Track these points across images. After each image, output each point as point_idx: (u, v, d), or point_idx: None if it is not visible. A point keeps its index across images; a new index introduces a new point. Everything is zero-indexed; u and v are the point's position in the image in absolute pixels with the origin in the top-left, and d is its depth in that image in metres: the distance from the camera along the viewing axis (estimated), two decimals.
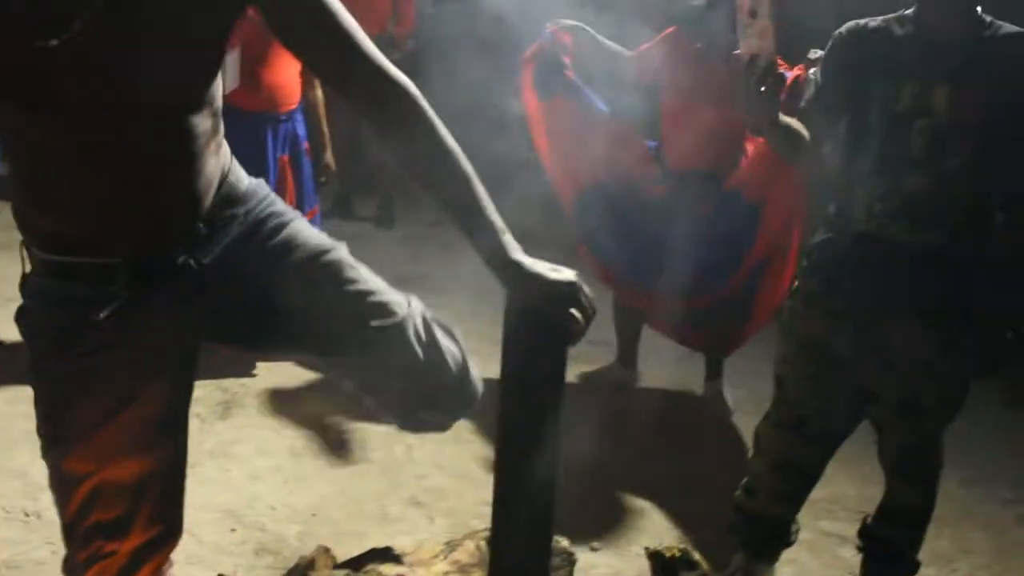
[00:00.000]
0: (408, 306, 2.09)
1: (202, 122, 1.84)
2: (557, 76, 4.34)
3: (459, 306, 5.55)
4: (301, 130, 4.64)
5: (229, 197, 1.97)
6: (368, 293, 2.05)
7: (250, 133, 4.44)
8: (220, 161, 1.96)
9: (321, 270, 1.99)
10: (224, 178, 1.96)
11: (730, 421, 4.54)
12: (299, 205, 4.64)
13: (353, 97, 1.81)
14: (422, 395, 2.12)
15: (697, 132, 4.19)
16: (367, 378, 2.11)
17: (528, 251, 1.83)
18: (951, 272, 2.63)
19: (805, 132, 2.70)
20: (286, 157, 4.57)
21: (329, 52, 1.78)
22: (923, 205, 2.60)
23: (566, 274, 1.77)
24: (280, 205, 2.07)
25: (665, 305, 4.34)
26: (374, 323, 2.00)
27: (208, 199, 1.89)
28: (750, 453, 3.11)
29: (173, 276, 1.86)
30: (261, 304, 1.94)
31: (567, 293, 1.75)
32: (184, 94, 1.77)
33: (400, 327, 2.05)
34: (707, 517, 3.61)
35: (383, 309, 2.04)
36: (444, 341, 2.17)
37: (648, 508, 3.71)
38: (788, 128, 2.67)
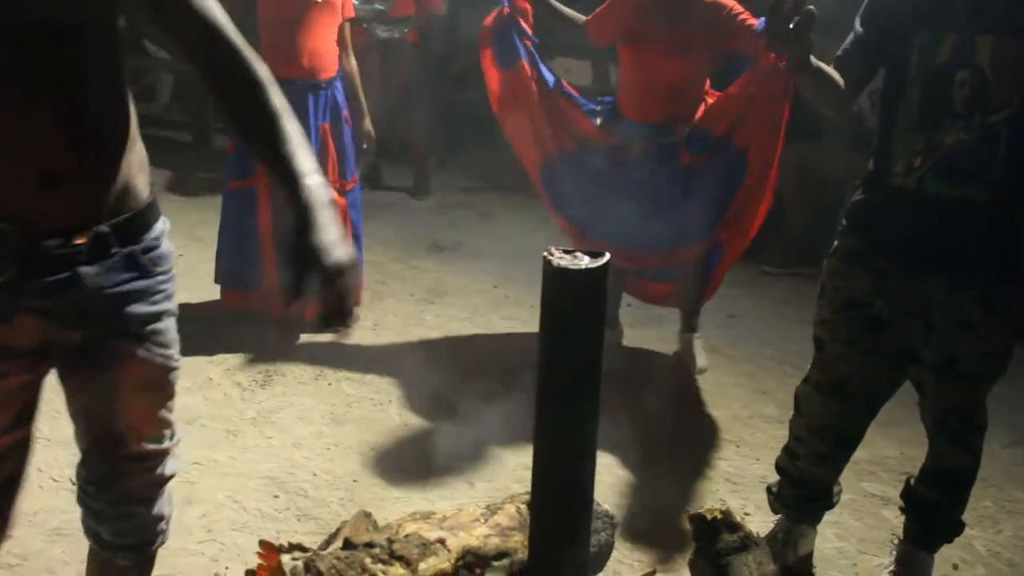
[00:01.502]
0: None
1: (106, 74, 1.82)
2: (518, 44, 4.38)
3: (494, 271, 5.59)
4: (341, 97, 4.65)
5: (146, 227, 2.02)
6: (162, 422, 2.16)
7: (293, 101, 4.44)
8: (139, 170, 1.97)
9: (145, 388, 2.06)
10: (149, 201, 2.01)
11: (695, 374, 4.51)
12: (341, 173, 4.65)
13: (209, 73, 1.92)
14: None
15: (660, 84, 4.18)
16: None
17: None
18: (993, 229, 2.58)
19: (838, 77, 2.67)
20: (327, 125, 4.59)
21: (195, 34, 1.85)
22: (964, 160, 2.55)
23: (341, 254, 1.74)
24: (173, 292, 2.12)
25: (647, 261, 4.38)
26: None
27: (115, 195, 1.88)
28: (785, 415, 3.09)
29: (56, 284, 1.84)
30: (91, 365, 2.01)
31: (314, 262, 1.71)
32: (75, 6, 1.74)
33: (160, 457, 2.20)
34: (747, 479, 3.61)
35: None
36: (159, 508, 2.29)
37: (687, 471, 3.70)
38: (820, 72, 2.63)
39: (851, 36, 2.75)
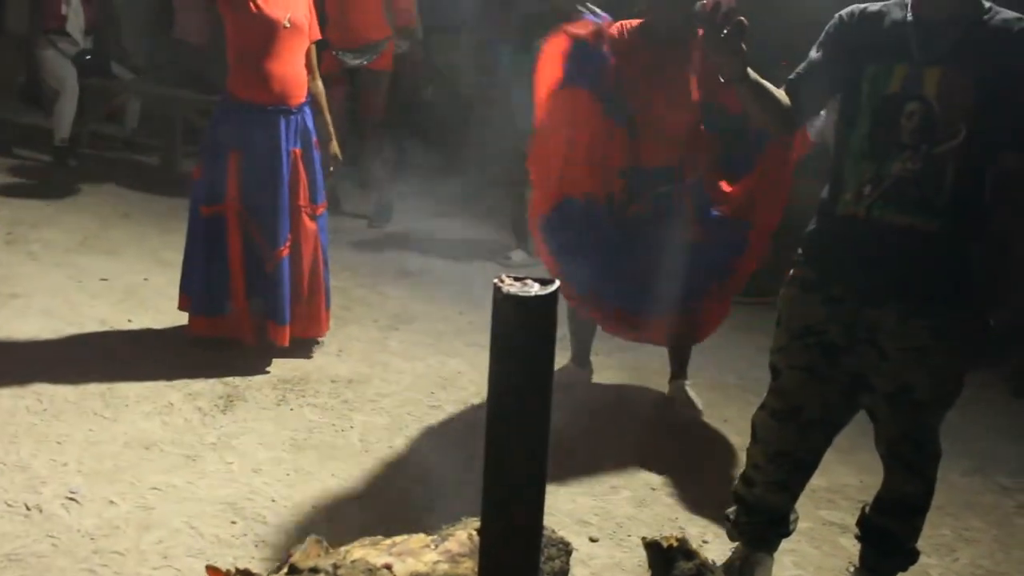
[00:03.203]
0: None
1: None
2: (590, 69, 4.18)
3: (458, 298, 5.60)
4: (310, 122, 4.66)
5: None
6: None
7: (264, 127, 4.47)
8: None
9: None
10: None
11: (694, 417, 4.52)
12: (312, 198, 4.65)
13: None
14: None
15: (662, 132, 4.20)
16: None
17: None
18: (944, 258, 2.62)
19: (779, 94, 2.76)
20: (298, 150, 4.59)
21: None
22: (912, 189, 2.60)
23: None
24: None
25: (646, 327, 4.36)
26: None
27: None
28: (746, 443, 3.10)
29: None
30: None
31: None
32: None
33: None
34: (705, 507, 3.61)
35: None
36: None
37: (647, 498, 3.71)
38: (760, 86, 2.72)
39: (806, 61, 2.82)
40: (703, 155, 4.27)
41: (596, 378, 4.83)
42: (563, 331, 4.64)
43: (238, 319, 4.60)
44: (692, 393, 4.53)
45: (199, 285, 4.63)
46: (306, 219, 4.63)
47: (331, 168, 4.89)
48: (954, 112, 2.54)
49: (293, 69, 4.54)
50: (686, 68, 4.18)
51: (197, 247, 4.63)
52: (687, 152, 4.25)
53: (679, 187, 4.22)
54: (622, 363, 5.04)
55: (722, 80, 2.73)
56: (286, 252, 4.54)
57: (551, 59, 4.21)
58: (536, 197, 4.41)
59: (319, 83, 4.81)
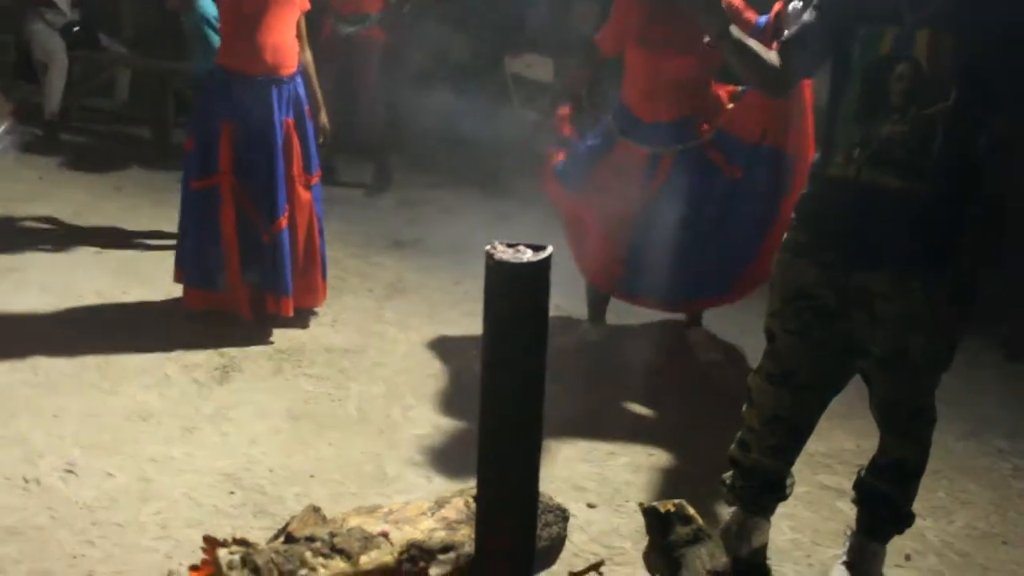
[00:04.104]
0: None
1: None
2: (578, 171, 4.45)
3: (454, 267, 5.60)
4: (302, 92, 4.63)
5: None
6: None
7: (256, 97, 4.44)
8: None
9: None
10: None
11: (716, 366, 4.55)
12: (306, 167, 4.63)
13: None
14: None
15: (668, 83, 4.20)
16: None
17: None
18: (934, 220, 2.61)
19: (765, 55, 2.78)
20: (291, 120, 4.56)
21: None
22: (901, 151, 2.59)
23: None
24: None
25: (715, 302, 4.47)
26: None
27: None
28: (743, 406, 3.11)
29: None
30: None
31: None
32: None
33: None
34: (703, 472, 3.62)
35: None
36: None
37: (644, 464, 3.72)
38: (741, 43, 2.76)
39: (798, 24, 2.81)
40: (717, 109, 4.27)
41: (610, 336, 4.82)
42: (556, 300, 4.65)
43: (233, 293, 4.59)
44: (707, 340, 4.57)
45: (193, 259, 4.62)
46: (301, 189, 4.61)
47: (321, 139, 4.87)
48: (943, 74, 2.53)
49: (284, 39, 4.51)
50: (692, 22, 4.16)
51: (190, 220, 4.62)
52: (700, 105, 4.24)
53: (699, 141, 4.24)
54: (638, 323, 5.02)
55: (705, 40, 2.75)
56: (285, 223, 4.53)
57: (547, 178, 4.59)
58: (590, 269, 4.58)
59: (308, 53, 4.77)
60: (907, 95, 2.56)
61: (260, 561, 1.96)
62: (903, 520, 2.99)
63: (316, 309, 4.85)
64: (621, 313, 4.91)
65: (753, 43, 2.80)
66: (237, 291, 4.58)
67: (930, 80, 2.54)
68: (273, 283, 4.56)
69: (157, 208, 6.25)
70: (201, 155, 4.52)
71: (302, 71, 4.67)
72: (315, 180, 4.70)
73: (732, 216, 4.26)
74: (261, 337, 4.57)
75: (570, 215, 4.56)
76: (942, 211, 2.60)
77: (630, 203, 4.31)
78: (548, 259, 1.76)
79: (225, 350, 4.40)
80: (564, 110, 4.59)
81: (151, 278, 5.16)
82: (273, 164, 4.48)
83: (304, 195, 4.63)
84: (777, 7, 3.97)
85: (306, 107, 4.64)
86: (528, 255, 1.77)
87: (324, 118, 4.87)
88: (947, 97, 2.53)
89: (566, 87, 4.78)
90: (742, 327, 4.78)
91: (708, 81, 4.32)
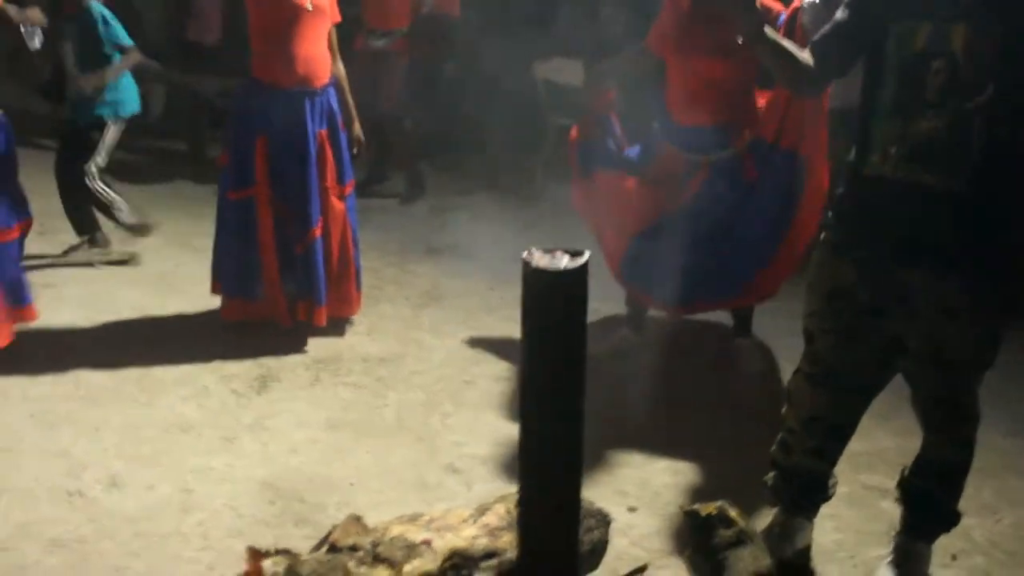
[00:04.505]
0: None
1: None
2: (596, 156, 4.49)
3: (489, 273, 5.60)
4: (335, 104, 4.65)
5: None
6: None
7: (290, 109, 4.47)
8: None
9: None
10: None
11: (760, 375, 4.50)
12: (339, 178, 4.65)
13: None
14: None
15: (707, 87, 4.18)
16: None
17: None
18: (973, 216, 2.57)
19: (799, 55, 2.76)
20: (324, 131, 4.58)
21: None
22: (938, 147, 2.55)
23: None
24: None
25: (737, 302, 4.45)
26: None
27: None
28: (783, 407, 3.08)
29: None
30: None
31: None
32: None
33: None
34: (744, 474, 3.59)
35: None
36: None
37: (685, 467, 3.69)
38: (776, 44, 2.73)
39: (831, 23, 2.79)
40: (755, 117, 4.25)
41: (651, 341, 4.79)
42: (595, 304, 4.63)
43: (272, 302, 4.62)
44: (753, 350, 4.54)
45: (231, 270, 4.66)
46: (334, 200, 4.63)
47: (355, 150, 4.88)
48: (980, 69, 2.49)
49: (316, 51, 4.53)
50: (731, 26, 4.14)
51: (227, 232, 4.65)
52: (740, 111, 4.22)
53: (734, 151, 4.22)
54: (680, 326, 4.98)
55: (739, 40, 2.73)
56: (318, 233, 4.55)
57: (571, 161, 4.64)
58: (609, 257, 4.57)
59: (341, 65, 4.79)
60: (944, 91, 2.53)
61: (304, 572, 1.97)
62: (949, 519, 2.95)
63: (352, 318, 4.86)
64: (662, 318, 4.89)
65: (788, 43, 2.78)
66: (277, 300, 4.61)
67: (967, 74, 2.50)
68: (307, 293, 4.58)
69: (194, 221, 6.29)
70: (237, 167, 4.55)
71: (335, 83, 4.69)
72: (348, 190, 4.72)
73: (744, 217, 4.24)
74: (298, 347, 4.58)
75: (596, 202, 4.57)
76: (981, 206, 2.57)
77: (661, 205, 4.30)
78: (585, 265, 1.74)
79: (263, 360, 4.42)
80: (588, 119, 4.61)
81: (187, 291, 5.20)
82: (307, 175, 4.50)
83: (338, 205, 4.64)
84: (796, 3, 3.96)
85: (339, 118, 4.65)
86: (565, 260, 1.76)
87: (358, 128, 4.89)
88: (985, 91, 2.49)
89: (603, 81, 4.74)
90: (786, 329, 4.73)
91: (750, 87, 4.29)
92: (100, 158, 5.50)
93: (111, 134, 5.59)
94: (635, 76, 4.89)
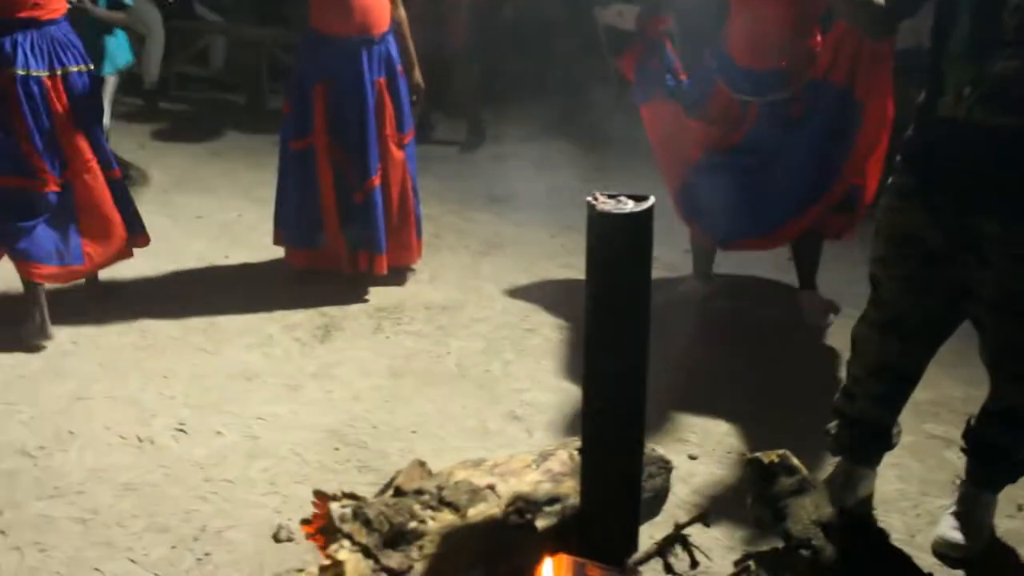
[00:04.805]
0: None
1: None
2: (654, 81, 4.41)
3: (550, 221, 5.59)
4: (394, 51, 4.64)
5: None
6: None
7: (347, 58, 4.47)
8: None
9: None
10: None
11: (824, 330, 4.44)
12: (398, 127, 4.65)
13: None
14: None
15: (769, 28, 4.08)
16: None
17: None
18: None
19: None
20: (383, 80, 4.58)
21: None
22: (1015, 89, 2.47)
23: None
24: None
25: (785, 235, 4.35)
26: None
27: None
28: (847, 357, 3.05)
29: None
30: None
31: None
32: None
33: None
34: (807, 423, 3.57)
35: None
36: None
37: (747, 416, 3.67)
38: None
39: None
40: (812, 61, 4.15)
41: (717, 293, 4.75)
42: (659, 251, 4.58)
43: (334, 250, 4.66)
44: (819, 304, 4.47)
45: (293, 219, 4.70)
46: (394, 148, 4.63)
47: (415, 97, 4.88)
48: None
49: (375, 0, 4.52)
50: None
51: (289, 181, 4.68)
52: (798, 55, 4.13)
53: (789, 96, 4.14)
54: (745, 279, 4.94)
55: None
56: (377, 182, 4.56)
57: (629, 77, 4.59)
58: (669, 181, 4.52)
59: (402, 11, 4.77)
60: (1022, 30, 2.45)
61: (371, 514, 2.00)
62: (1016, 469, 2.91)
63: (414, 267, 4.89)
64: (729, 268, 4.85)
65: None
66: (338, 249, 4.65)
67: None
68: (367, 241, 4.61)
69: (255, 172, 6.35)
70: (297, 117, 4.58)
71: (395, 29, 4.68)
72: (408, 139, 4.72)
73: (789, 153, 4.15)
74: (360, 296, 4.63)
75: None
76: None
77: (713, 142, 4.26)
78: (651, 209, 1.74)
79: (325, 309, 4.47)
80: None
81: (250, 241, 5.26)
82: (365, 124, 4.51)
83: (397, 154, 4.65)
84: None
85: (398, 66, 4.65)
86: (630, 205, 1.75)
87: (418, 75, 4.87)
88: None
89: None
90: (851, 277, 4.68)
91: (813, 30, 4.16)
92: (106, 118, 5.51)
93: (109, 87, 5.90)
94: (692, 6, 4.82)
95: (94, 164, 4.15)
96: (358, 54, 4.48)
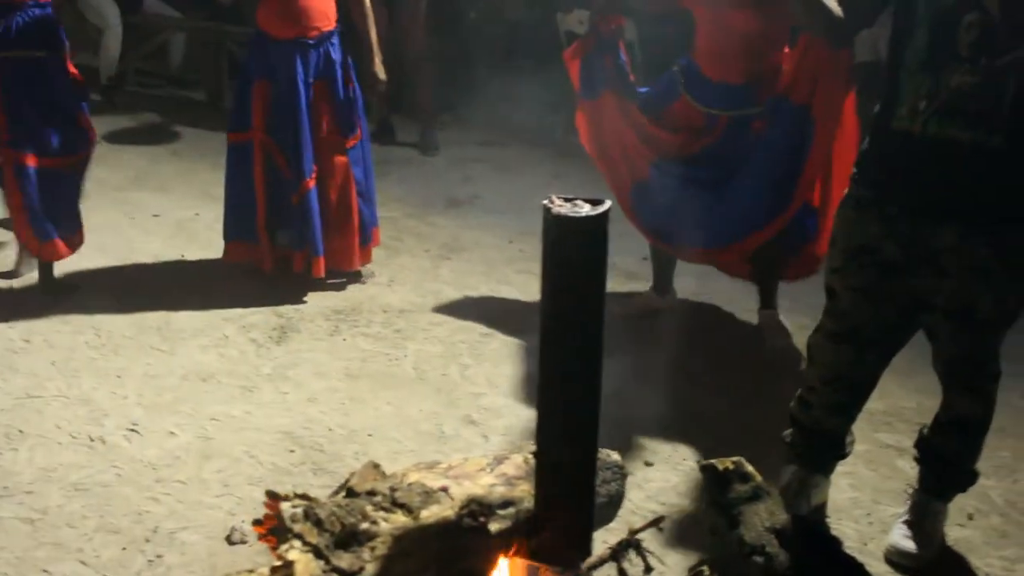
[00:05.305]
0: None
1: None
2: (605, 79, 4.34)
3: (510, 226, 5.59)
4: (336, 54, 4.58)
5: None
6: None
7: (283, 59, 4.48)
8: None
9: None
10: None
11: (783, 348, 4.42)
12: (340, 130, 4.61)
13: None
14: None
15: (735, 40, 4.04)
16: None
17: None
18: (1003, 174, 2.54)
19: (829, 2, 2.77)
20: (320, 82, 4.55)
21: None
22: (969, 103, 2.51)
23: None
24: None
25: (732, 253, 4.30)
26: None
27: None
28: (803, 366, 3.07)
29: None
30: None
31: None
32: None
33: None
34: (762, 430, 3.59)
35: None
36: None
37: (702, 423, 3.69)
38: None
39: None
40: (777, 79, 4.10)
41: (675, 306, 4.71)
42: (617, 258, 4.57)
43: (262, 247, 4.67)
44: (782, 321, 4.42)
45: (231, 211, 4.72)
46: (332, 151, 4.61)
47: (376, 88, 4.84)
48: (1015, 24, 2.44)
49: (313, 2, 4.49)
50: None
51: (230, 174, 4.72)
52: (767, 69, 4.10)
53: (757, 111, 4.10)
54: (708, 292, 4.91)
55: None
56: (312, 184, 4.54)
57: (573, 80, 4.46)
58: (615, 189, 4.44)
59: (367, 4, 4.71)
60: (977, 45, 2.48)
61: (323, 514, 1.98)
62: (966, 478, 2.95)
63: (371, 270, 4.86)
64: (688, 282, 4.85)
65: None
66: (263, 246, 4.66)
67: (1001, 29, 2.45)
68: (303, 243, 4.59)
69: (213, 171, 6.27)
70: (238, 111, 4.64)
71: (354, 26, 4.66)
72: (352, 143, 4.66)
73: (746, 168, 4.10)
74: (317, 297, 4.60)
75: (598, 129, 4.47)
76: (1012, 164, 2.53)
77: (673, 150, 4.21)
78: (607, 212, 1.74)
79: (282, 310, 4.44)
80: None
81: (207, 240, 5.21)
82: (299, 125, 4.50)
83: (337, 157, 4.61)
84: None
85: (339, 70, 4.59)
86: (586, 209, 1.75)
87: (378, 65, 4.79)
88: (1019, 47, 2.45)
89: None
90: (807, 287, 4.71)
91: (781, 43, 4.12)
92: None
93: None
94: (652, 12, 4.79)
95: None
96: (292, 56, 4.47)
